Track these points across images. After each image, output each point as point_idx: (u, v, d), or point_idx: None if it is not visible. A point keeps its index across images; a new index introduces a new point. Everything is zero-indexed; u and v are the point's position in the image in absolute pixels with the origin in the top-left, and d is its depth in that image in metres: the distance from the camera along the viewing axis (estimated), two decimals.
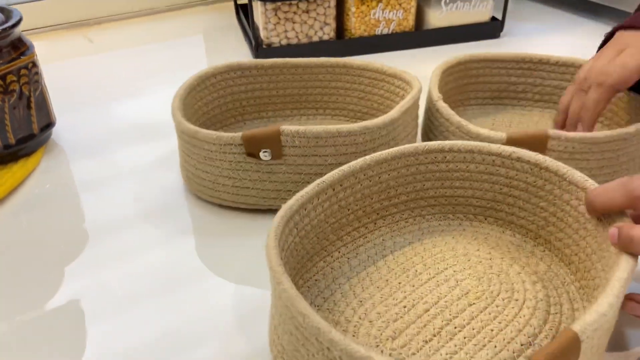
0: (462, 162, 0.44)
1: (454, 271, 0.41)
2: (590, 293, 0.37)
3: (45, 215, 0.52)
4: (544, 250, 0.43)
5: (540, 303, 0.38)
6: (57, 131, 0.65)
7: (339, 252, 0.43)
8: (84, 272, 0.45)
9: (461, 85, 0.59)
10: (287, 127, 0.45)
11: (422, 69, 0.69)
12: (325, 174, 0.47)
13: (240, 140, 0.46)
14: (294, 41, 0.82)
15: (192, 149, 0.49)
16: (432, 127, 0.53)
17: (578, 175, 0.39)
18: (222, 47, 0.91)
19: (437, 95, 0.52)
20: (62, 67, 0.84)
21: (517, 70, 0.61)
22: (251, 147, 0.46)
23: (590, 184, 0.38)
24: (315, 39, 0.83)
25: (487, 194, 0.45)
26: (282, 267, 0.31)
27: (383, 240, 0.45)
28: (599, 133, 0.46)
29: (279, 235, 0.34)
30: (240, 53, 0.87)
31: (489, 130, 0.47)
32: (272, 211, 0.50)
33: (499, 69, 0.61)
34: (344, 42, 0.85)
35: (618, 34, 0.51)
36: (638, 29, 0.49)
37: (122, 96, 0.75)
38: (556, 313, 0.38)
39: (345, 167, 0.41)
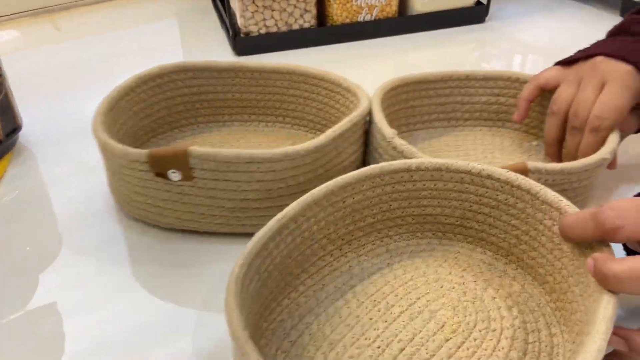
0: (430, 180, 0.42)
1: (427, 301, 0.39)
2: (568, 317, 0.36)
3: (17, 223, 0.48)
4: (517, 269, 0.41)
5: (518, 331, 0.37)
6: (24, 131, 0.59)
7: (304, 285, 0.40)
8: (59, 274, 0.43)
9: (392, 112, 0.54)
10: (196, 149, 0.41)
11: (407, 57, 0.66)
12: (240, 200, 0.44)
13: (146, 159, 0.42)
14: (274, 29, 0.77)
15: (106, 161, 0.46)
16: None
17: (551, 195, 0.37)
18: (197, 32, 0.86)
19: (390, 132, 0.46)
20: (27, 57, 0.77)
21: (445, 89, 0.57)
22: (158, 167, 0.42)
23: (565, 203, 0.36)
24: (296, 26, 0.78)
25: (456, 211, 0.43)
26: (246, 333, 0.28)
27: (350, 267, 0.42)
28: (577, 162, 0.44)
29: (239, 289, 0.31)
30: (217, 40, 0.82)
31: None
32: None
33: (428, 90, 0.57)
34: (325, 30, 0.80)
35: (599, 60, 0.48)
36: (620, 59, 0.47)
37: (93, 87, 0.69)
38: (534, 341, 0.36)
39: (307, 196, 0.38)
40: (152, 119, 0.55)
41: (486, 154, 0.56)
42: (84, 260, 0.45)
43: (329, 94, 0.55)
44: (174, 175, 0.42)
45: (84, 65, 0.76)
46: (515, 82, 0.56)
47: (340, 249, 0.42)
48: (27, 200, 0.51)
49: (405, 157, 0.44)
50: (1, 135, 0.54)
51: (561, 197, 0.36)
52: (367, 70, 0.74)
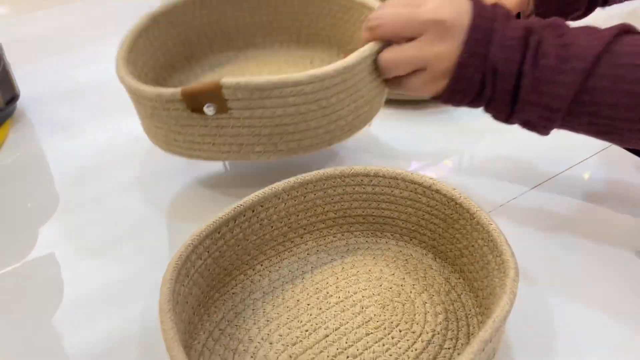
0: (388, 186, 0.45)
1: (363, 296, 0.43)
2: None
3: (17, 183, 0.56)
4: (459, 278, 0.44)
5: (437, 337, 0.40)
6: (21, 99, 0.66)
7: (262, 265, 0.45)
8: (57, 229, 0.50)
9: None
10: (228, 80, 0.42)
11: None
12: (276, 125, 0.44)
13: (181, 97, 0.43)
14: None
15: (139, 106, 0.48)
16: None
17: (484, 217, 0.39)
18: None
19: None
20: (16, 25, 0.83)
21: None
22: (193, 103, 0.43)
23: (493, 227, 0.39)
24: None
25: (412, 217, 0.46)
26: (173, 331, 0.32)
27: (308, 254, 0.47)
28: None
29: (174, 280, 0.36)
30: None
31: None
32: None
33: None
34: None
35: None
36: None
37: (84, 52, 0.74)
38: (449, 348, 0.39)
39: (266, 189, 0.43)
40: (170, 54, 0.56)
41: None
42: (79, 215, 0.52)
43: (342, 9, 0.54)
44: (210, 110, 0.43)
45: (74, 30, 0.80)
46: None
47: (302, 237, 0.47)
48: (26, 162, 0.59)
49: None
50: (1, 103, 0.61)
51: (491, 221, 0.39)
52: None
